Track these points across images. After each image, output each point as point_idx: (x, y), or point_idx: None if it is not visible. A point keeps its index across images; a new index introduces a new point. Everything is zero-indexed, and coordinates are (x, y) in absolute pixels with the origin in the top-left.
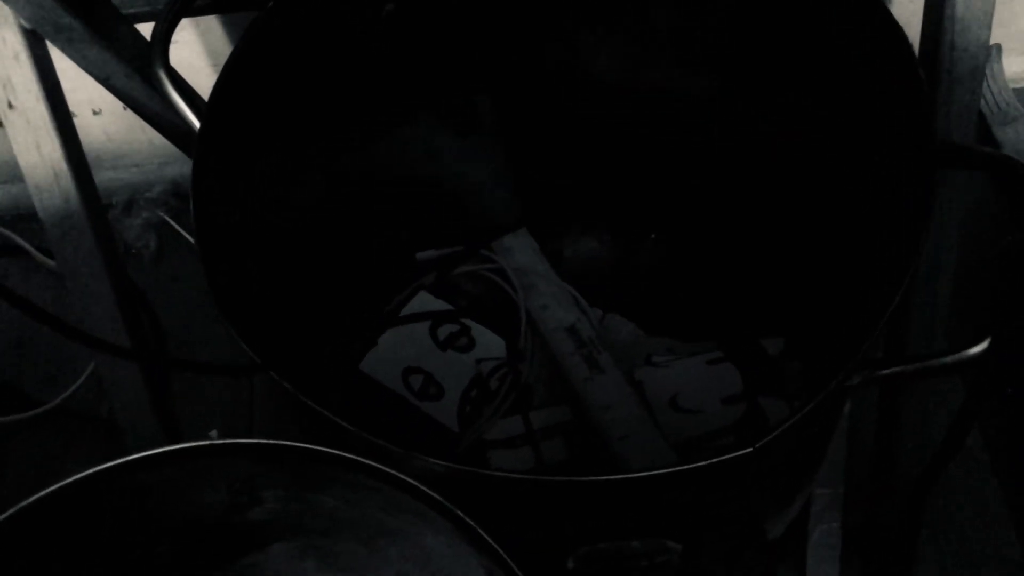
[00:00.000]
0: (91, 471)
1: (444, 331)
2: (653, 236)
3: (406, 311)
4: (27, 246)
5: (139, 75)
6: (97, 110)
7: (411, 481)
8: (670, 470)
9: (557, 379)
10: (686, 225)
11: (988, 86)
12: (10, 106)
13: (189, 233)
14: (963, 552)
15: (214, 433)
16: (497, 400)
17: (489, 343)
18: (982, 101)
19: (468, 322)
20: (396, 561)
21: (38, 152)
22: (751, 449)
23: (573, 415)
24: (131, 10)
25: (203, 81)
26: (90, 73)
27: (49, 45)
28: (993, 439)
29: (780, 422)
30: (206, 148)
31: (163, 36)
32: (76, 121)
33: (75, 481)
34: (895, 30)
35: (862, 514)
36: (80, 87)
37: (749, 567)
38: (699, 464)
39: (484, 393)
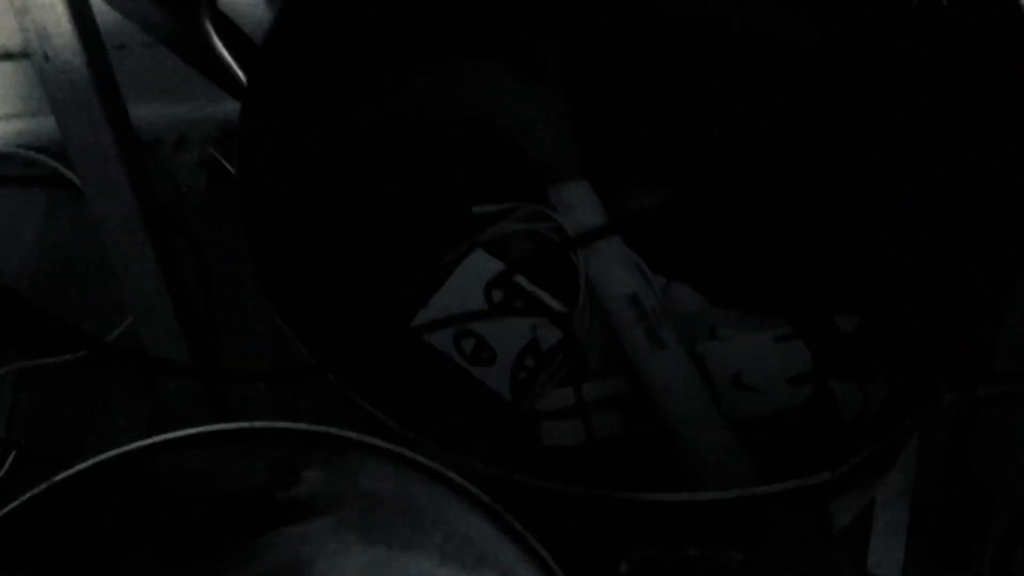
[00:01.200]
0: (125, 449)
1: (498, 293)
2: (724, 197)
3: (460, 269)
4: (76, 179)
5: (182, 20)
6: (149, 43)
7: (445, 472)
8: (731, 494)
9: (615, 348)
10: (760, 187)
11: None
12: (46, 57)
13: None
14: None
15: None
16: (551, 368)
17: (545, 308)
18: None
19: (524, 284)
20: (440, 542)
21: (70, 87)
22: (829, 475)
23: (630, 388)
24: None
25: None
26: (127, 16)
27: None
28: None
29: (866, 443)
30: (253, 104)
31: None
32: (125, 53)
33: (111, 458)
34: None
35: (933, 504)
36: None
37: (810, 559)
38: (768, 489)
39: (538, 361)
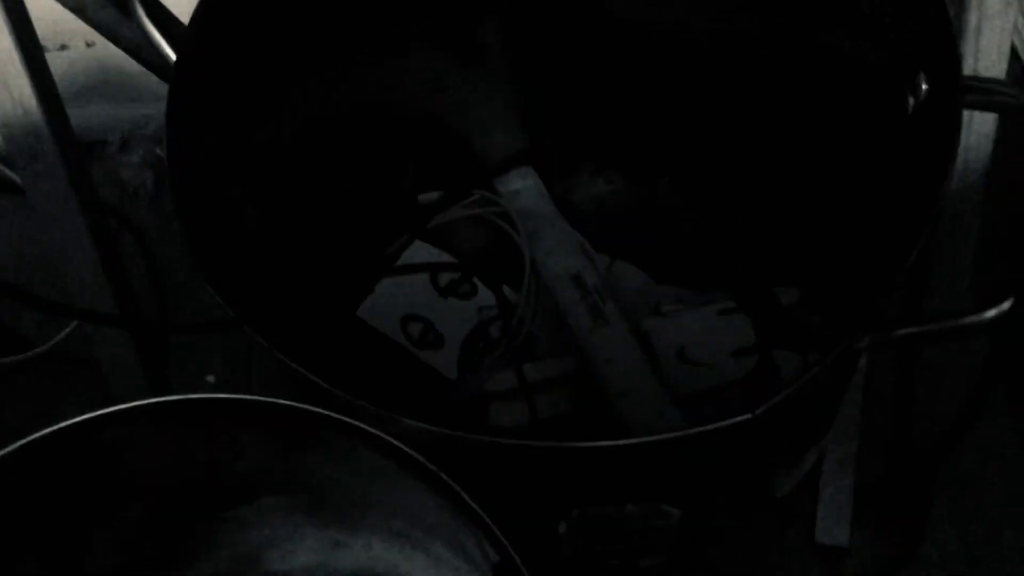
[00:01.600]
0: (62, 424)
1: (445, 277)
2: (665, 179)
3: (406, 256)
4: (20, 181)
5: (115, 5)
6: (91, 42)
7: (393, 442)
8: (662, 437)
9: (562, 329)
10: (700, 168)
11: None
12: None
13: None
14: (981, 510)
15: (211, 379)
16: (498, 351)
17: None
18: (1016, 38)
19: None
20: (387, 518)
21: (6, 90)
22: (750, 416)
23: (577, 368)
24: None
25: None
26: (62, 3)
27: None
28: (1017, 394)
29: (784, 385)
30: (182, 84)
31: None
32: (68, 54)
33: (48, 434)
34: None
35: (876, 472)
36: (72, 17)
37: (756, 527)
38: (694, 431)
39: (486, 343)
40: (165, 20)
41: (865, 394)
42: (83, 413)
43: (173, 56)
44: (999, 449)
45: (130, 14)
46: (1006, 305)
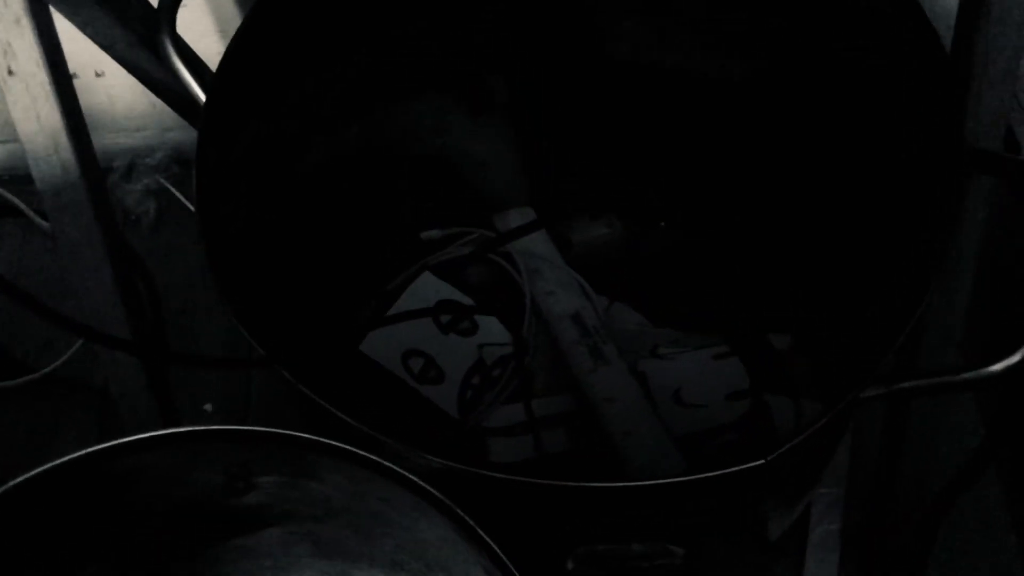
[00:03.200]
0: (80, 453)
1: (446, 315)
2: (663, 224)
3: (409, 292)
4: (24, 208)
5: (144, 44)
6: (100, 72)
7: (406, 474)
8: (675, 480)
9: (560, 367)
10: (698, 214)
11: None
12: (10, 72)
13: (190, 200)
14: (965, 565)
15: (209, 407)
16: (498, 387)
17: (492, 328)
18: (1015, 105)
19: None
20: (391, 551)
21: (37, 120)
22: (763, 461)
23: (576, 405)
24: None
25: (211, 48)
26: (93, 40)
27: (52, 9)
28: (1002, 454)
29: (785, 431)
30: (210, 122)
31: (171, 4)
32: (78, 83)
33: (68, 461)
34: (929, 30)
35: (863, 517)
36: (84, 48)
37: (748, 567)
38: (707, 475)
39: (485, 379)
40: (193, 61)
41: (854, 441)
42: (79, 436)
43: (201, 95)
44: (984, 502)
45: (160, 55)
46: (1016, 357)
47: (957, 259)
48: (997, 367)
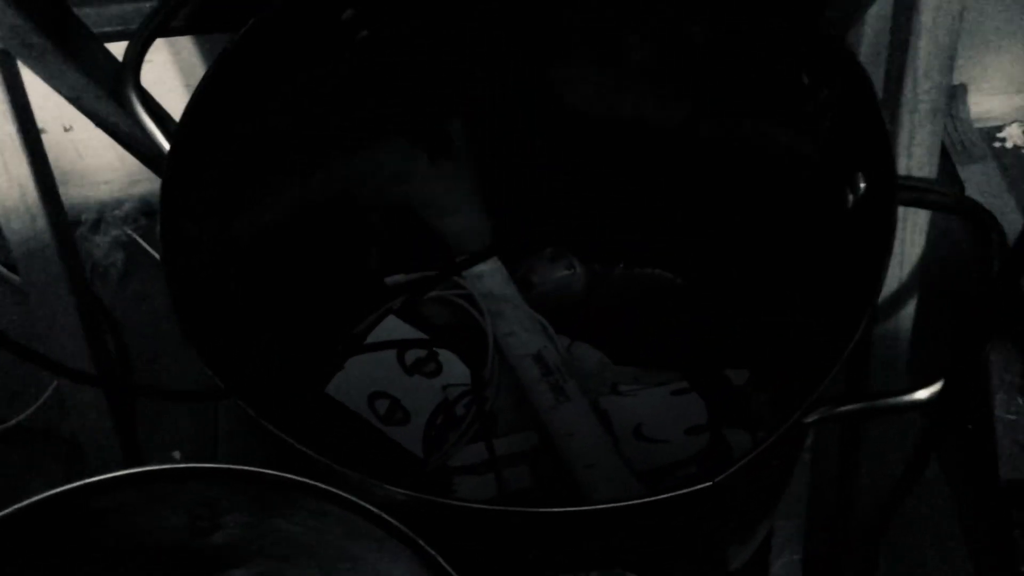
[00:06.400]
0: (48, 494)
1: (411, 356)
2: (622, 265)
3: (374, 335)
4: None
5: (110, 96)
6: (68, 126)
7: (371, 508)
8: (627, 503)
9: (523, 406)
10: (654, 255)
11: (954, 125)
12: None
13: (157, 252)
14: None
15: (177, 455)
16: (463, 427)
17: (456, 369)
18: (947, 140)
19: (436, 347)
20: None
21: (6, 173)
22: (710, 483)
23: (539, 442)
24: (103, 29)
25: (176, 102)
26: (60, 93)
27: (19, 63)
28: (953, 474)
29: (739, 457)
30: (175, 171)
31: (135, 58)
32: (46, 137)
33: (32, 503)
34: (858, 69)
35: (823, 547)
36: (51, 103)
37: None
38: (657, 498)
39: (450, 419)
40: (158, 113)
41: (812, 472)
42: (48, 485)
43: (166, 145)
44: (938, 523)
45: (126, 106)
46: (937, 387)
47: (900, 286)
48: (922, 394)
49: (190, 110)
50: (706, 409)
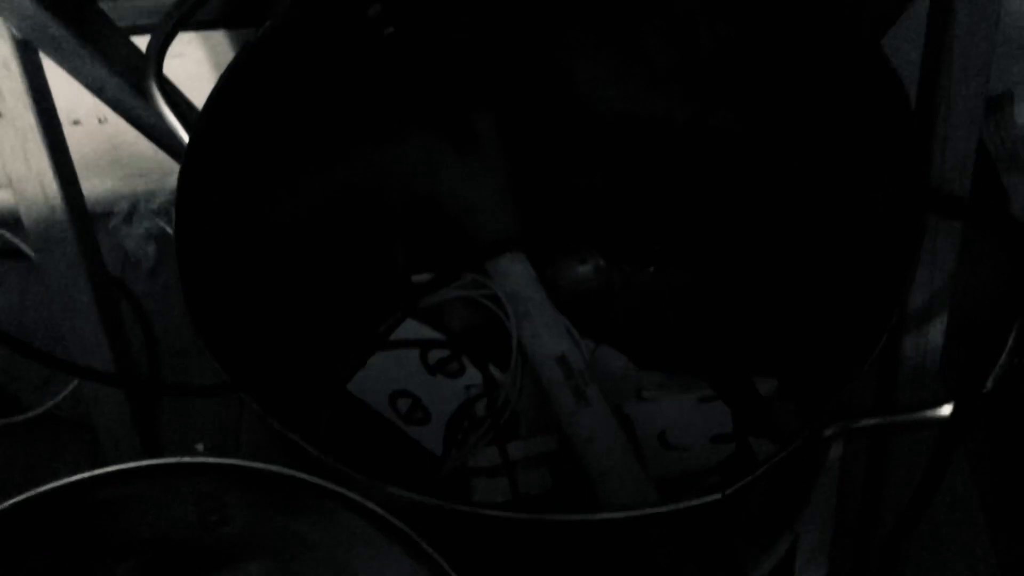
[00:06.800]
0: (54, 484)
1: (434, 355)
2: (651, 269)
3: (396, 335)
4: (26, 249)
5: (133, 88)
6: (103, 118)
7: (375, 508)
8: (636, 513)
9: (545, 408)
10: (684, 258)
11: (999, 134)
12: None
13: None
14: None
15: (200, 447)
16: (483, 428)
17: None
18: (992, 148)
19: (457, 350)
20: None
21: (25, 163)
22: (720, 495)
23: (559, 447)
24: (127, 23)
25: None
26: (83, 84)
27: (42, 55)
28: (987, 495)
29: (753, 469)
30: (192, 163)
31: (158, 51)
32: (80, 129)
33: (40, 493)
34: (892, 76)
35: (849, 562)
36: (87, 95)
37: None
38: (667, 508)
39: (471, 420)
40: (179, 104)
41: (840, 485)
42: (75, 473)
43: (186, 137)
44: (968, 534)
45: (147, 97)
46: (950, 406)
47: (931, 299)
48: (945, 410)
49: (211, 103)
50: (732, 418)
